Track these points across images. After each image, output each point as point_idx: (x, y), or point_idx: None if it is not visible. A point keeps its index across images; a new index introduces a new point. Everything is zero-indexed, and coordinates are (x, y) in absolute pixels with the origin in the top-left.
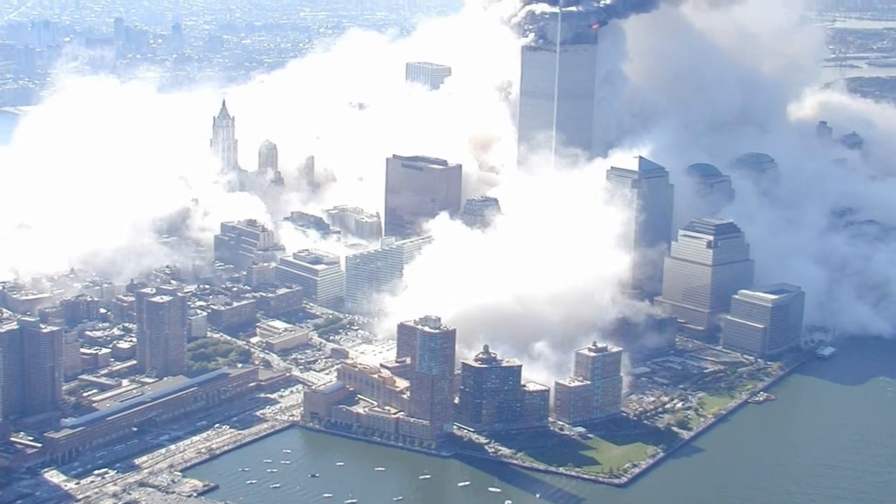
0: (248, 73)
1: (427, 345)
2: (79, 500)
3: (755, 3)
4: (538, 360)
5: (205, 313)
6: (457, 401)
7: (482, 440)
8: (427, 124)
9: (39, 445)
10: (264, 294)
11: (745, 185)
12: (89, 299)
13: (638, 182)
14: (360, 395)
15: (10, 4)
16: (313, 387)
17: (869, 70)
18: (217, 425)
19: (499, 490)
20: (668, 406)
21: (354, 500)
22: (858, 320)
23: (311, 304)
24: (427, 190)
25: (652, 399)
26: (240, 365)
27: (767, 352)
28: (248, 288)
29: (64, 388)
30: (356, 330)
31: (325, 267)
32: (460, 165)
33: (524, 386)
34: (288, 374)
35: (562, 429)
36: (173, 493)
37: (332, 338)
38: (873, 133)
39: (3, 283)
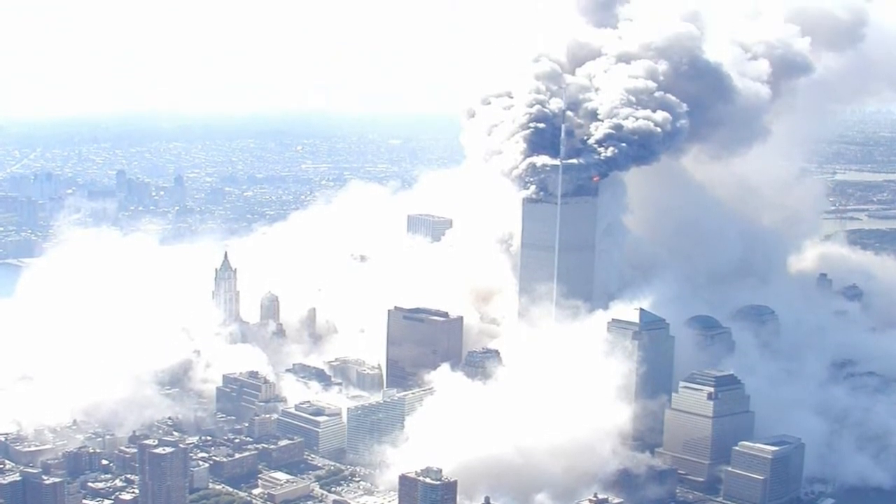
0: (250, 225)
1: (428, 496)
2: None
3: (755, 155)
4: None
5: (207, 465)
6: None
7: None
8: (428, 276)
9: None
10: (266, 445)
11: (745, 337)
12: (91, 451)
13: (639, 334)
14: None
15: (13, 157)
16: None
17: (869, 222)
18: None
19: None
20: None
21: None
22: (859, 472)
23: (312, 455)
24: (428, 342)
25: None
26: None
27: (768, 503)
28: (250, 439)
29: None
30: (358, 481)
31: (327, 418)
32: (461, 317)
33: None
34: None
35: None
36: None
37: (333, 489)
38: (873, 285)
39: (6, 434)
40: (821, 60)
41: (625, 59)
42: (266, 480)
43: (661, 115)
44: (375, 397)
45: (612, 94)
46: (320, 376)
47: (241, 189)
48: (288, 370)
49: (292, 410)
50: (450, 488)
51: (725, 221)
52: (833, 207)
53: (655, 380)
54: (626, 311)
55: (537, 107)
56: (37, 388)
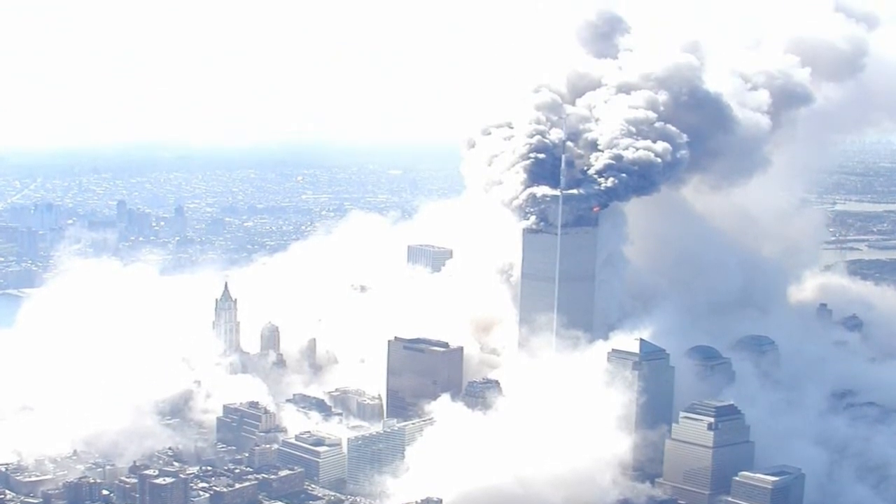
0: (251, 256)
1: None
2: None
3: (756, 185)
4: None
5: (207, 495)
6: None
7: None
8: (428, 307)
9: None
10: (266, 476)
11: (745, 367)
12: (92, 481)
13: (639, 364)
14: None
15: (13, 187)
16: None
17: (869, 252)
18: None
19: None
20: None
21: None
22: (858, 502)
23: (313, 485)
24: (428, 372)
25: None
26: None
27: None
28: (251, 469)
29: None
30: None
31: (327, 449)
32: (462, 348)
33: None
34: None
35: None
36: None
37: None
38: (873, 315)
39: (6, 464)
40: (821, 91)
41: (625, 89)
42: None
43: (661, 146)
44: (376, 427)
45: (613, 125)
46: (320, 406)
47: (241, 219)
48: (288, 400)
49: (293, 440)
50: None
51: (725, 252)
52: (833, 238)
53: (655, 410)
54: (627, 341)
55: (537, 137)
56: (37, 418)
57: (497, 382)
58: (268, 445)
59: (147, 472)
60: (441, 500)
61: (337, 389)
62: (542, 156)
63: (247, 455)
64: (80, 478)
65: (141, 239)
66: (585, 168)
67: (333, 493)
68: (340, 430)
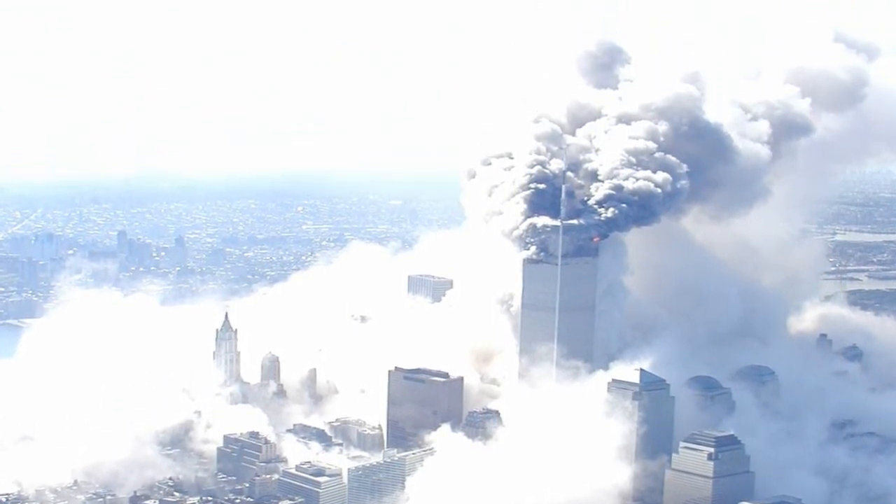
0: (251, 286)
1: None
2: None
3: (756, 216)
4: None
5: None
6: None
7: None
8: (429, 337)
9: None
10: None
11: (745, 398)
12: None
13: (639, 394)
14: None
15: (14, 217)
16: None
17: (869, 283)
18: None
19: None
20: None
21: None
22: None
23: None
24: (429, 402)
25: None
26: None
27: None
28: (251, 500)
29: None
30: None
31: (328, 479)
32: (462, 378)
33: None
34: None
35: None
36: None
37: None
38: (873, 346)
39: (7, 495)
40: (821, 121)
41: (625, 119)
42: None
43: (661, 176)
44: (376, 458)
45: (613, 155)
46: (321, 437)
47: (241, 250)
48: (288, 430)
49: (293, 471)
50: None
51: (725, 282)
52: (833, 268)
53: (656, 440)
54: (627, 371)
55: (538, 167)
56: (37, 448)
57: (497, 412)
58: (268, 476)
59: (147, 502)
60: None
61: (337, 419)
62: (542, 186)
63: (247, 485)
64: None
65: (141, 269)
66: (586, 198)
67: None
68: (341, 461)
